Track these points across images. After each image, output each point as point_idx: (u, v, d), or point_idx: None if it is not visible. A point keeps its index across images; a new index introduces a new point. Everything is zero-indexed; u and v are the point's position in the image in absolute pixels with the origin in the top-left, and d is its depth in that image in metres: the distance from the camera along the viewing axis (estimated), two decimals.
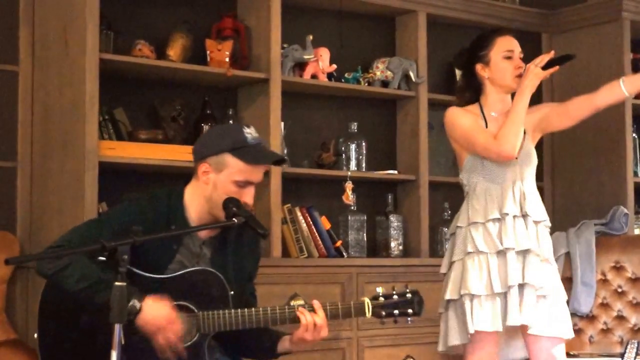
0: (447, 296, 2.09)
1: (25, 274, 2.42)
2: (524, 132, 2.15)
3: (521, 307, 2.04)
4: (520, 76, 2.13)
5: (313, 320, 1.71)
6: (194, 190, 1.80)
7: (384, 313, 1.74)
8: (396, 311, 1.74)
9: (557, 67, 2.12)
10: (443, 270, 2.15)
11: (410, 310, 1.75)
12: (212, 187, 1.76)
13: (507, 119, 2.09)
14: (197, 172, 1.79)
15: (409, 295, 1.76)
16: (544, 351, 2.09)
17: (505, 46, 2.16)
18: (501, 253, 2.07)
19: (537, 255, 2.08)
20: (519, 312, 2.04)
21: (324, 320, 1.72)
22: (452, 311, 2.09)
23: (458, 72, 3.12)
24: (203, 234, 1.79)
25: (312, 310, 1.73)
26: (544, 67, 2.10)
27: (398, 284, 2.70)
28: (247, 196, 1.76)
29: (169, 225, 1.76)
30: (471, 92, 2.20)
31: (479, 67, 2.16)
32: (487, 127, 2.13)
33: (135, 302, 1.62)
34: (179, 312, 1.70)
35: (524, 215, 2.10)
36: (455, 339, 2.07)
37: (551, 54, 2.12)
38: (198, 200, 1.78)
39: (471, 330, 2.04)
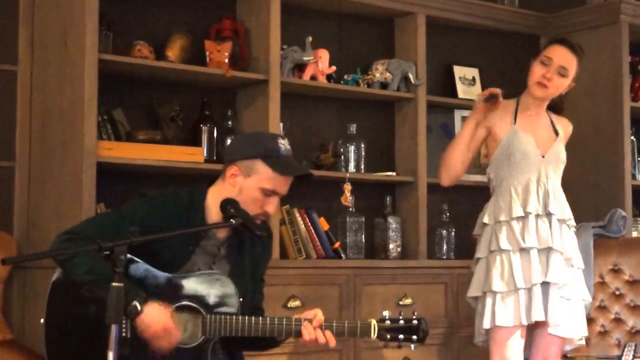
0: (470, 294, 2.14)
1: (22, 274, 2.41)
2: (557, 134, 2.22)
3: (546, 305, 2.09)
4: (541, 85, 2.19)
5: (316, 337, 1.73)
6: (219, 191, 1.79)
7: (388, 336, 1.76)
8: (401, 336, 1.75)
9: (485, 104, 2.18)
10: (472, 268, 2.20)
11: (414, 337, 1.76)
12: (238, 190, 1.76)
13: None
14: (225, 174, 1.79)
15: (415, 322, 1.77)
16: (549, 347, 2.15)
17: (549, 53, 2.20)
18: (524, 250, 2.11)
19: (560, 253, 2.12)
20: (542, 309, 2.08)
21: (330, 339, 1.73)
22: (477, 306, 2.16)
23: (459, 72, 3.15)
24: (220, 234, 1.80)
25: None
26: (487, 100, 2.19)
27: (396, 285, 2.73)
28: (270, 205, 1.78)
29: (188, 225, 1.75)
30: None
31: (532, 60, 2.23)
32: (515, 123, 2.18)
33: (136, 304, 1.62)
34: (185, 314, 1.70)
35: (548, 214, 2.14)
36: (478, 335, 2.16)
37: (490, 91, 2.20)
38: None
39: (487, 326, 2.09)
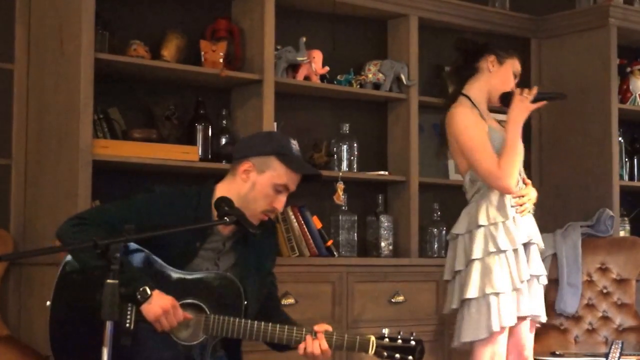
0: (470, 295, 2.09)
1: (18, 270, 2.43)
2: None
3: (532, 298, 2.13)
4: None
5: (312, 351, 1.74)
6: (228, 187, 1.81)
7: (385, 354, 1.77)
8: (397, 355, 1.77)
9: (544, 102, 2.19)
10: (459, 267, 2.14)
11: (410, 357, 1.77)
12: (251, 186, 1.79)
13: (507, 152, 2.12)
14: (237, 170, 1.82)
15: (412, 342, 1.78)
16: (529, 332, 2.18)
17: (517, 68, 2.21)
18: (515, 250, 2.12)
19: (536, 244, 2.17)
20: (530, 303, 2.12)
21: (326, 352, 1.74)
22: (472, 308, 2.10)
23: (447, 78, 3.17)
24: (225, 231, 1.81)
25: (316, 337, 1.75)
26: (532, 101, 2.16)
27: (387, 283, 2.76)
28: (279, 202, 1.81)
29: (194, 223, 1.77)
30: (458, 80, 2.21)
31: (491, 58, 2.19)
32: (485, 120, 2.16)
33: (146, 288, 1.65)
34: (188, 312, 1.72)
35: None
36: (473, 335, 2.10)
37: (536, 89, 2.19)
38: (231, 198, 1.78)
39: (496, 328, 2.08)
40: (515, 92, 2.18)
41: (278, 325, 1.75)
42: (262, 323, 1.75)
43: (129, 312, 1.64)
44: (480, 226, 2.13)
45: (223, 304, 1.74)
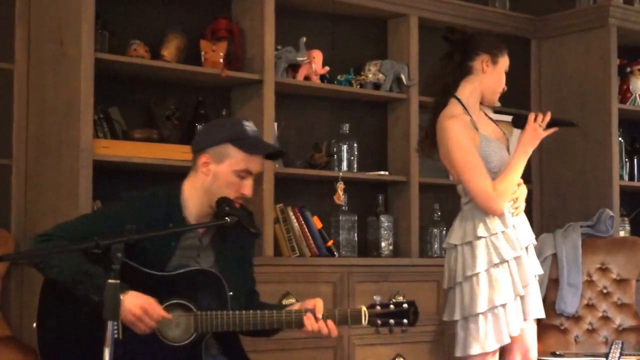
0: (480, 309, 2.04)
1: (20, 270, 2.43)
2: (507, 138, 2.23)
3: (535, 299, 2.12)
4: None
5: (319, 328, 1.73)
6: (193, 183, 1.81)
7: (379, 322, 1.76)
8: (392, 320, 1.76)
9: (556, 129, 2.14)
10: (459, 279, 2.08)
11: (405, 321, 1.77)
12: (213, 177, 1.77)
13: (507, 176, 2.08)
14: (197, 164, 1.80)
15: (405, 305, 1.77)
16: (534, 333, 2.17)
17: (507, 64, 2.18)
18: (518, 257, 2.09)
19: (533, 244, 2.16)
20: (534, 305, 2.11)
21: (332, 329, 1.73)
22: (480, 321, 2.06)
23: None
24: (200, 228, 1.80)
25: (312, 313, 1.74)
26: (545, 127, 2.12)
27: (388, 283, 2.77)
28: (246, 188, 1.78)
29: (168, 224, 1.77)
30: (448, 79, 2.13)
31: (485, 58, 2.13)
32: (477, 130, 2.12)
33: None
34: (176, 312, 1.71)
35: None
36: (481, 348, 2.06)
37: (549, 114, 2.14)
38: (197, 193, 1.79)
39: (507, 340, 2.06)
40: (530, 117, 2.12)
41: (267, 311, 1.74)
42: (251, 311, 1.73)
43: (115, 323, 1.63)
44: (480, 237, 2.08)
45: (208, 299, 1.73)
